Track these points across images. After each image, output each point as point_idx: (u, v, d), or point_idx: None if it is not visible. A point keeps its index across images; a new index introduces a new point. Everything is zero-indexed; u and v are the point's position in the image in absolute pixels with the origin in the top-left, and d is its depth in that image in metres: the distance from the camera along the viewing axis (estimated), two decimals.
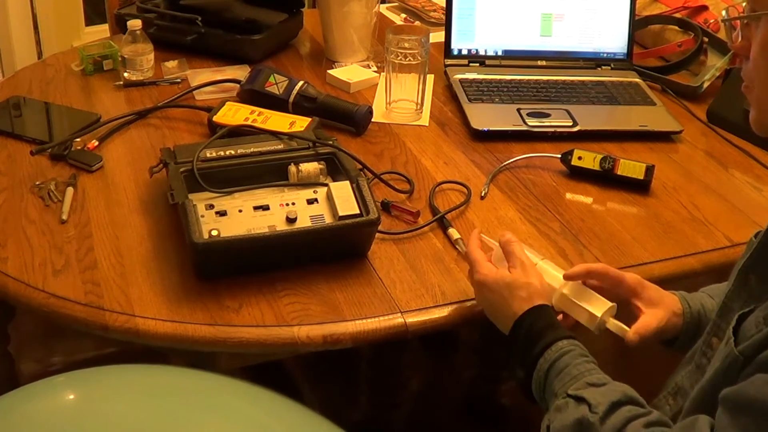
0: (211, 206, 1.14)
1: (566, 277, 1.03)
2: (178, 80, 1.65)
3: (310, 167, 1.23)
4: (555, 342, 0.95)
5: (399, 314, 1.10)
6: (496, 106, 1.59)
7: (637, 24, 1.77)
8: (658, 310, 1.03)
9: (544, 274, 1.04)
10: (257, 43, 1.72)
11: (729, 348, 0.82)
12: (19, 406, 0.95)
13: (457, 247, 1.22)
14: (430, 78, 1.69)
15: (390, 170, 1.39)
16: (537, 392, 0.96)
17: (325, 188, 1.18)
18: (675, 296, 1.07)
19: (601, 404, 0.87)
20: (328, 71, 1.70)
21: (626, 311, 1.05)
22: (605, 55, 1.75)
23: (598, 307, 1.02)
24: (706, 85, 1.69)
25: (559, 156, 1.42)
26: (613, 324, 1.01)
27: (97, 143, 1.42)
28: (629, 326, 1.02)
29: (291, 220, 1.13)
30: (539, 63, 1.73)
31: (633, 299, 1.05)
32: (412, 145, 1.49)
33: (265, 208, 1.15)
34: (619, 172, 1.38)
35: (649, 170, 1.38)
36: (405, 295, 1.13)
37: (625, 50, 1.74)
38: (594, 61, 1.74)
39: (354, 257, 1.19)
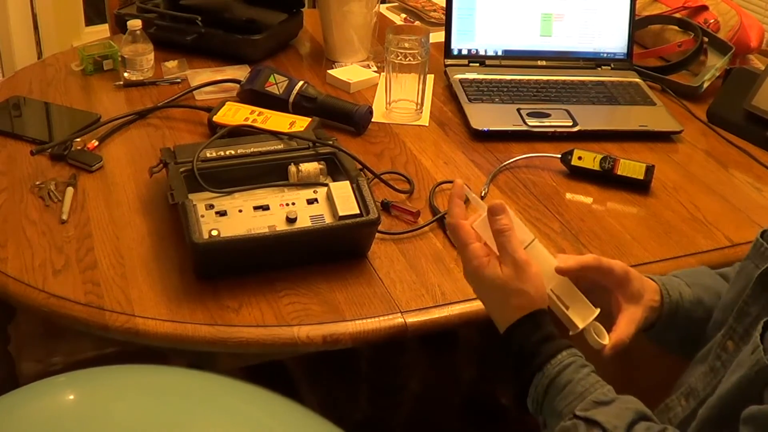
0: (211, 206, 1.14)
1: (558, 271, 0.98)
2: (178, 80, 1.65)
3: (310, 167, 1.23)
4: (554, 356, 0.91)
5: (399, 314, 1.10)
6: (496, 106, 1.59)
7: (637, 24, 1.77)
8: (637, 309, 1.01)
9: (536, 261, 0.96)
10: (257, 43, 1.72)
11: (757, 356, 0.80)
12: (20, 406, 0.95)
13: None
14: (430, 78, 1.69)
15: (390, 170, 1.39)
16: (533, 407, 0.93)
17: (325, 188, 1.18)
18: (655, 285, 1.04)
19: (618, 428, 0.84)
20: (328, 71, 1.70)
21: (608, 299, 1.02)
22: (605, 55, 1.75)
23: (582, 315, 0.98)
24: (706, 85, 1.69)
25: (559, 156, 1.42)
26: (593, 339, 0.98)
27: (97, 143, 1.42)
28: (609, 324, 0.99)
29: (291, 220, 1.13)
30: (539, 63, 1.73)
31: (617, 291, 1.02)
32: (412, 145, 1.49)
33: (265, 208, 1.15)
34: (619, 172, 1.38)
35: (649, 170, 1.38)
36: (405, 295, 1.13)
37: (625, 50, 1.74)
38: (594, 61, 1.74)
39: (354, 257, 1.19)
